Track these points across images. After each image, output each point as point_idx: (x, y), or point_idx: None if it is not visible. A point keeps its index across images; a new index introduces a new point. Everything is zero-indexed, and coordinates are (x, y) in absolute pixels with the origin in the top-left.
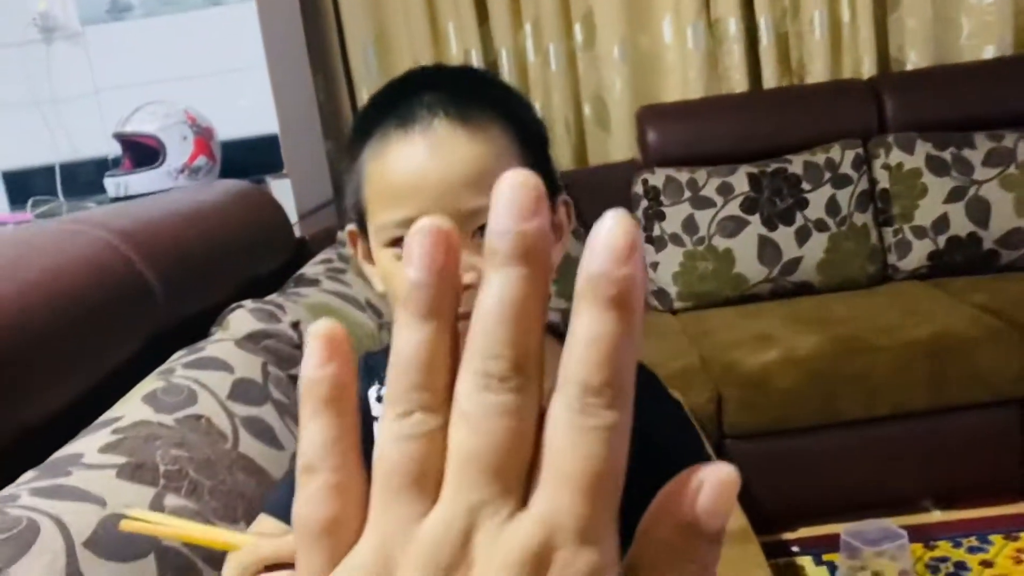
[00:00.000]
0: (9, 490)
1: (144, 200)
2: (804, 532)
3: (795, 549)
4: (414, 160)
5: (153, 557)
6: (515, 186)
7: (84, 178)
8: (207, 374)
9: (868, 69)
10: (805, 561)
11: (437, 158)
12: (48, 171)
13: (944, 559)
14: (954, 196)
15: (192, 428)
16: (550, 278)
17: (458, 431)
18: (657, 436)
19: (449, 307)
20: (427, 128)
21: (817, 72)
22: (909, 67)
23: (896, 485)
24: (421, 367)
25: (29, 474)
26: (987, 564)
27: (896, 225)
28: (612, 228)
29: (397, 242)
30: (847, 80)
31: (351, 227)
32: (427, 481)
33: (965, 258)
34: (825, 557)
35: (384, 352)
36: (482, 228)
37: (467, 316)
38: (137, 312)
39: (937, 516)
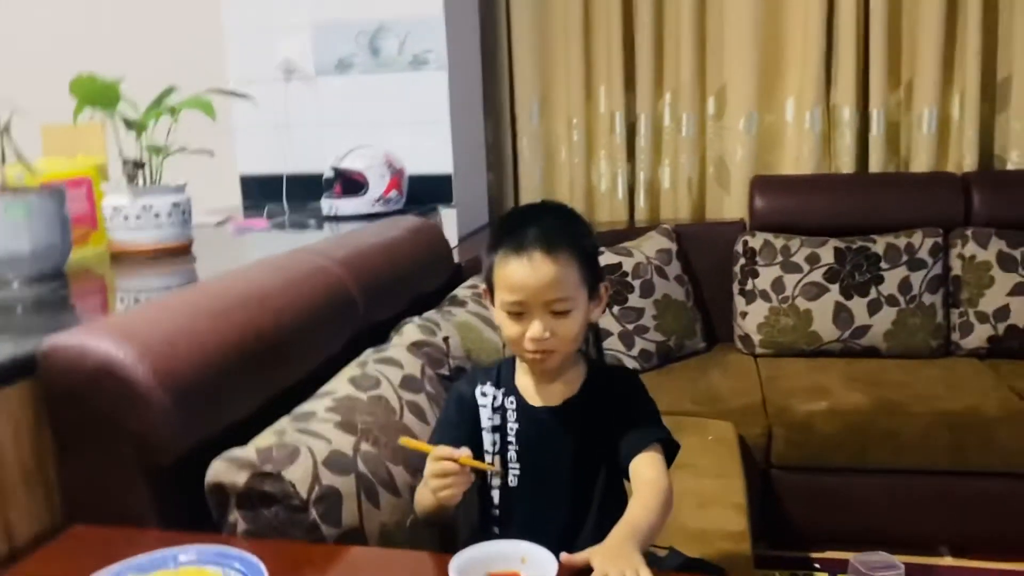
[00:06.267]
0: (281, 424)
1: (352, 233)
2: (829, 554)
3: (816, 566)
4: (522, 273)
5: (353, 476)
6: None
7: (302, 188)
8: (387, 368)
9: (969, 164)
10: None
11: (534, 274)
12: (275, 180)
13: None
14: (1018, 291)
15: (377, 404)
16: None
17: None
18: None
19: None
20: (531, 256)
21: (921, 163)
22: (1009, 167)
23: (914, 529)
24: None
25: (285, 420)
26: None
27: (962, 308)
28: None
29: (510, 313)
30: (942, 172)
31: (483, 286)
32: None
33: (1020, 345)
34: None
35: (493, 367)
36: (555, 311)
37: (542, 354)
38: (346, 318)
39: (948, 561)
